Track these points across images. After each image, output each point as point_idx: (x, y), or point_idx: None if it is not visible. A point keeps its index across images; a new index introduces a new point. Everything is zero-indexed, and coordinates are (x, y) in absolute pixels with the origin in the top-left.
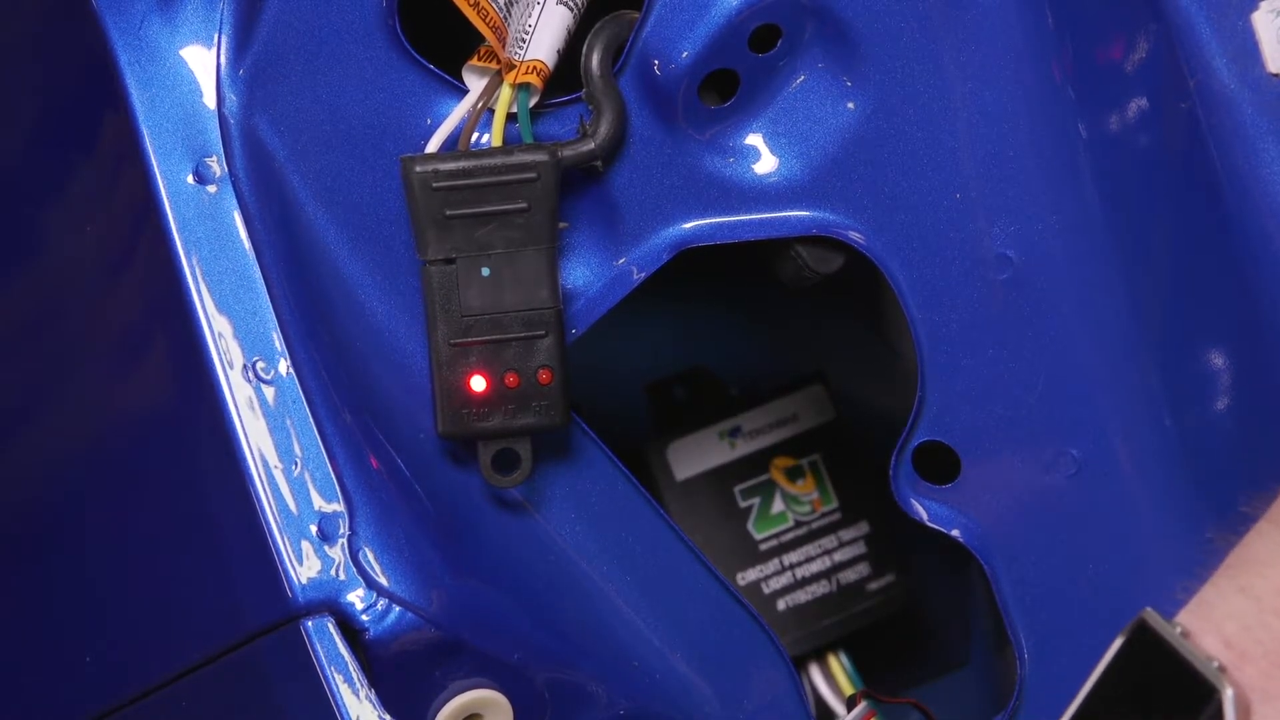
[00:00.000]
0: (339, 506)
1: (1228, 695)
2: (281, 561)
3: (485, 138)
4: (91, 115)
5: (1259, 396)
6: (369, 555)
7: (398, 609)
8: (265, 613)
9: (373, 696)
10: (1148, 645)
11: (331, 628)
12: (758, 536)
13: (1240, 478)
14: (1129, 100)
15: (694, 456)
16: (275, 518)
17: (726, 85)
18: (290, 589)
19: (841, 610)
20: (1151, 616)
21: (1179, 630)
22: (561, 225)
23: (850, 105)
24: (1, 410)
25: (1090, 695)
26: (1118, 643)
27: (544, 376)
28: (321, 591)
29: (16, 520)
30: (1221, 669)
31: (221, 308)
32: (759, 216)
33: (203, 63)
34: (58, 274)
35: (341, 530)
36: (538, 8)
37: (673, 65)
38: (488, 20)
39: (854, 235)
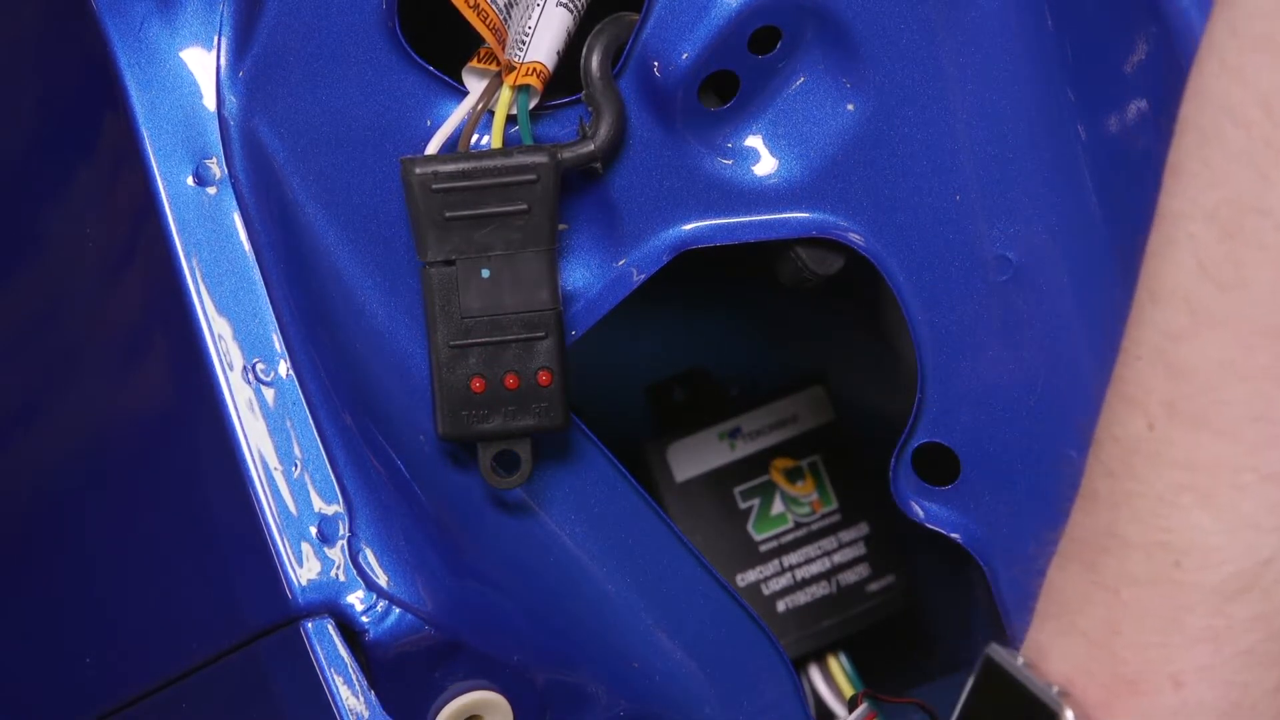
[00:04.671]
0: (339, 508)
1: (1068, 715)
2: (281, 563)
3: (485, 139)
4: (91, 116)
5: None
6: (369, 557)
7: (397, 610)
8: (265, 614)
9: (372, 698)
10: (995, 679)
11: (331, 629)
12: (757, 538)
13: None
14: (1129, 101)
15: (694, 458)
16: (275, 519)
17: (726, 87)
18: (290, 590)
19: (841, 611)
20: (996, 652)
21: (1021, 662)
22: (561, 227)
23: (850, 107)
24: (2, 411)
25: None
26: (970, 679)
27: (544, 378)
28: (321, 593)
29: (17, 521)
30: (1062, 694)
31: (221, 309)
32: (759, 218)
33: (203, 64)
34: (58, 275)
35: (341, 532)
36: (537, 9)
37: (672, 67)
38: (487, 22)
39: (854, 237)
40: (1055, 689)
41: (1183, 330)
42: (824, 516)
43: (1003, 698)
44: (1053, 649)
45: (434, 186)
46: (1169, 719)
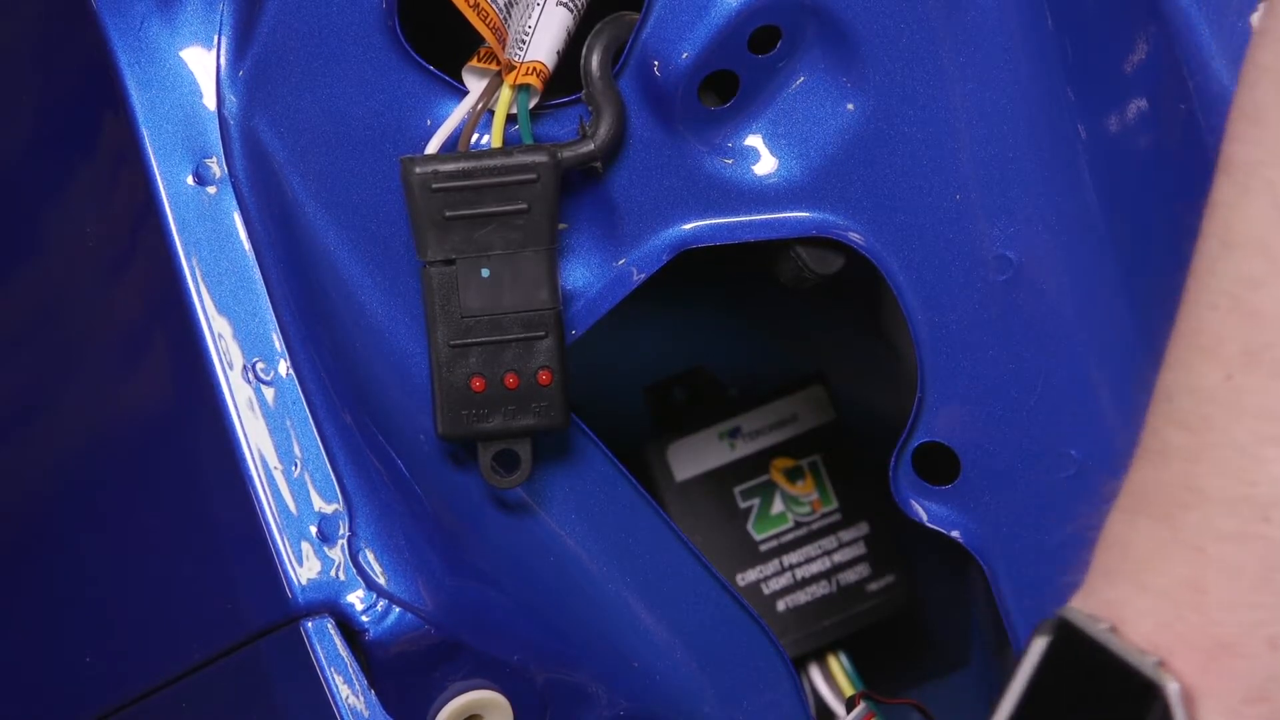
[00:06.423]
0: (339, 507)
1: (1173, 690)
2: (281, 562)
3: (485, 139)
4: (91, 116)
5: None
6: (369, 556)
7: (397, 610)
8: (265, 614)
9: (372, 697)
10: (1074, 645)
11: (331, 629)
12: (757, 537)
13: None
14: (1128, 101)
15: (694, 457)
16: (275, 519)
17: (726, 86)
18: (290, 590)
19: (841, 611)
20: (1073, 613)
21: (1105, 627)
22: (561, 226)
23: (850, 106)
24: (2, 411)
25: (1020, 704)
26: (1040, 644)
27: (544, 377)
28: (321, 592)
29: (17, 520)
30: (1161, 664)
31: (221, 309)
32: (759, 218)
33: (202, 64)
34: (58, 275)
35: (341, 531)
36: (537, 9)
37: (672, 66)
38: (487, 21)
39: (854, 236)
40: (1153, 659)
41: (1262, 277)
42: (824, 516)
43: (1082, 668)
44: (1128, 608)
45: (434, 186)
46: (1268, 685)
